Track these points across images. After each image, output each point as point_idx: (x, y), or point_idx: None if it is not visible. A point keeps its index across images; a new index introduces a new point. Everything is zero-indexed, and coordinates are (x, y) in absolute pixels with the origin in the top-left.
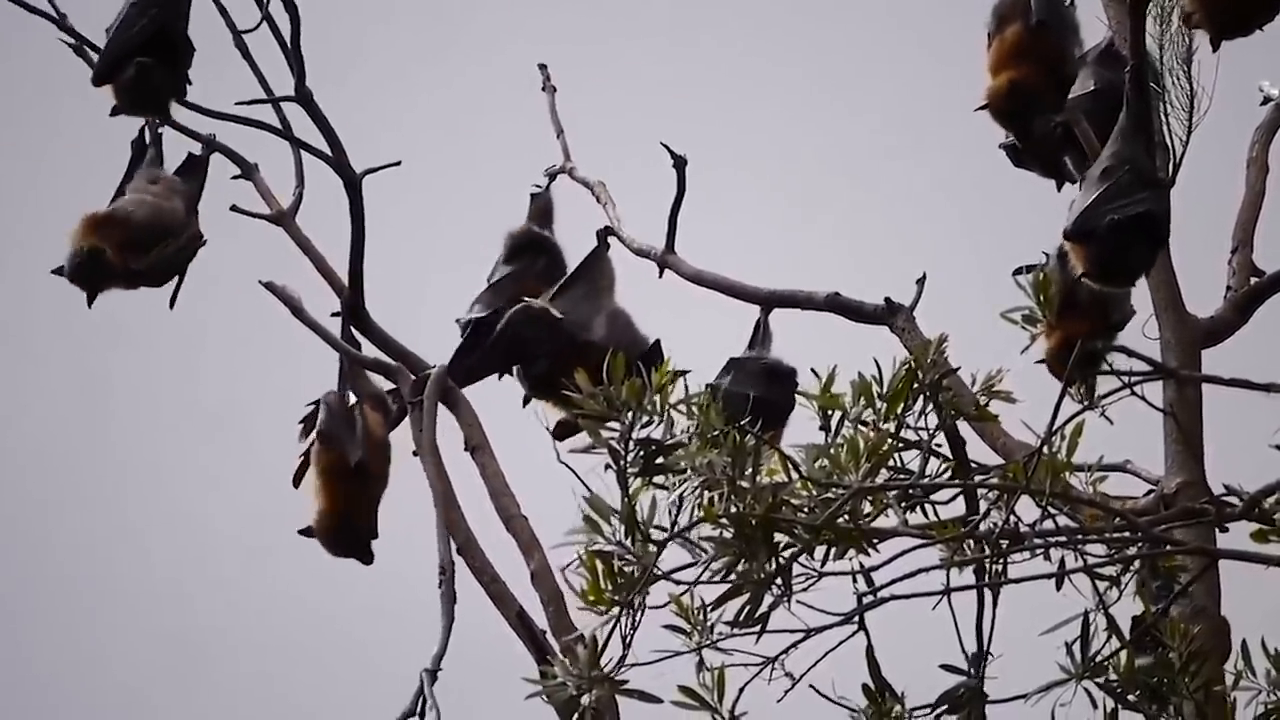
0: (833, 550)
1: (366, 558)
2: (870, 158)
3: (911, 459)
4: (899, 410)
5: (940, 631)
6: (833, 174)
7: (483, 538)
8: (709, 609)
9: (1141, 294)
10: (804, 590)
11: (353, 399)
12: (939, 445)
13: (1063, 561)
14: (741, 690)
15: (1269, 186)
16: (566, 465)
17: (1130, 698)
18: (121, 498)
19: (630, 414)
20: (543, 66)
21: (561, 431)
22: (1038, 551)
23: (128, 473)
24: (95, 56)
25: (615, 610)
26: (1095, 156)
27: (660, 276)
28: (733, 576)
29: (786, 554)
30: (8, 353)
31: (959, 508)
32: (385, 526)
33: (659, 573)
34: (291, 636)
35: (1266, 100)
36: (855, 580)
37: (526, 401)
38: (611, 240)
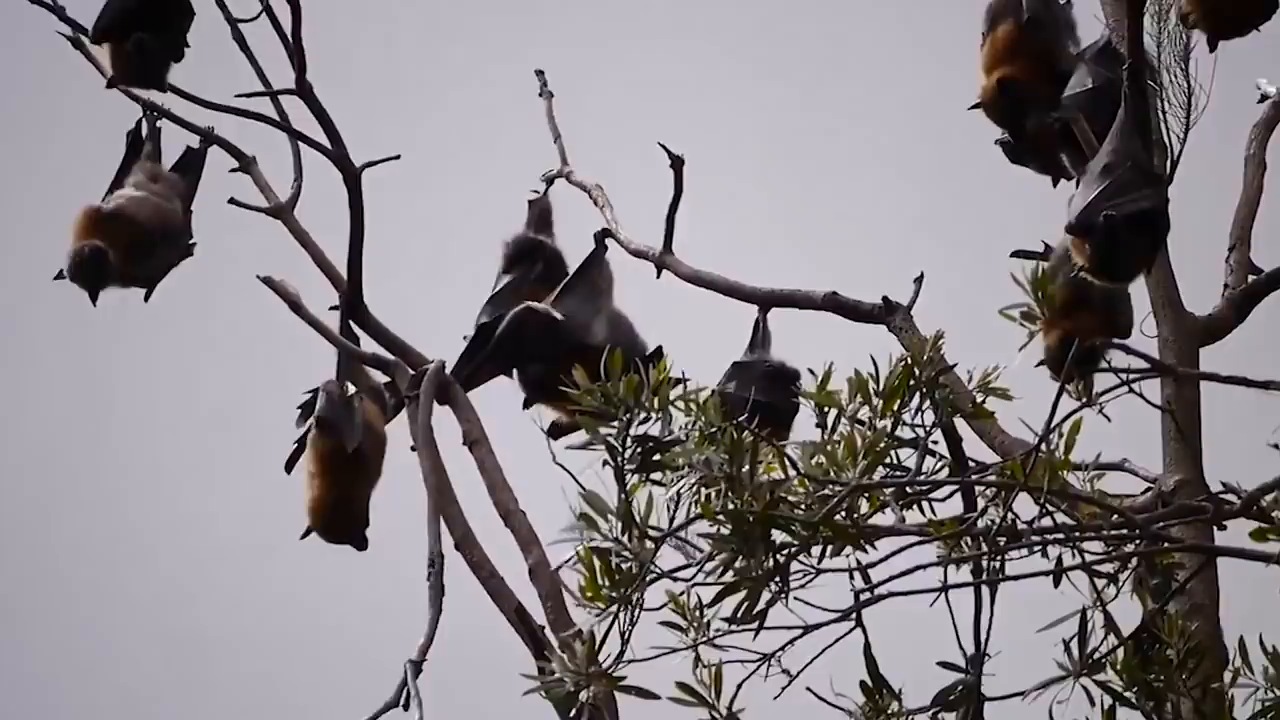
0: (830, 547)
1: (361, 544)
2: (868, 157)
3: (908, 456)
4: (896, 407)
5: (938, 629)
6: (829, 173)
7: (481, 533)
8: (706, 606)
9: (1139, 291)
10: (801, 587)
11: (351, 389)
12: (936, 443)
13: (1060, 559)
14: (739, 687)
15: (1266, 184)
16: (562, 466)
17: (1128, 695)
18: (120, 496)
19: (628, 411)
20: (539, 72)
21: (557, 432)
22: (1035, 549)
23: (126, 471)
24: (93, 48)
25: (613, 607)
26: (1093, 153)
27: (658, 277)
28: (730, 573)
29: (784, 551)
30: (8, 353)
31: (956, 505)
32: (384, 522)
33: (657, 570)
34: (289, 633)
35: (1264, 98)
36: (853, 577)
37: (527, 405)
38: (609, 243)
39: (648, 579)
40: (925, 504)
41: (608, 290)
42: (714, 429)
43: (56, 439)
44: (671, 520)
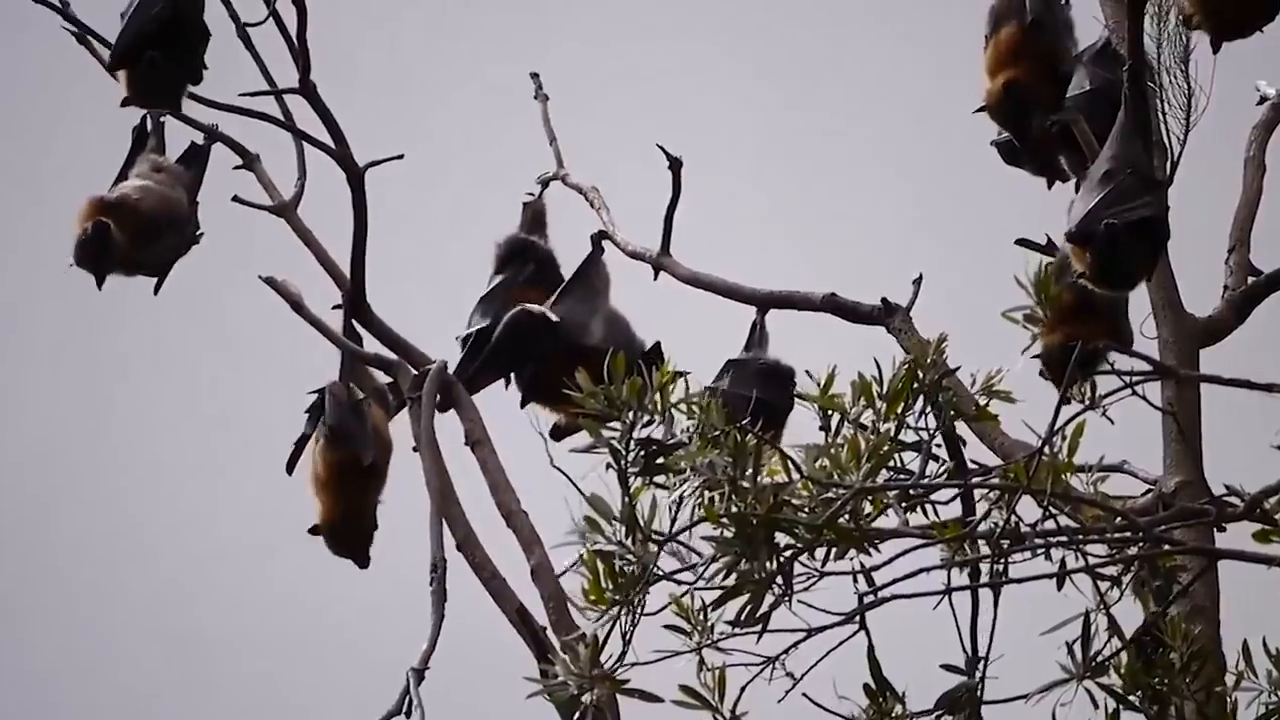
0: (833, 550)
1: (363, 562)
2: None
3: (912, 460)
4: (899, 410)
5: (941, 631)
6: (828, 174)
7: (483, 533)
8: (710, 609)
9: (1139, 293)
10: (805, 590)
11: (359, 394)
12: (939, 446)
13: (1063, 561)
14: (742, 690)
15: (1266, 186)
16: (560, 470)
17: (1131, 698)
18: (120, 495)
19: (631, 413)
20: (534, 75)
21: (558, 434)
22: (1038, 551)
23: (127, 470)
24: (98, 45)
25: (615, 609)
26: (1093, 155)
27: (656, 279)
28: (734, 576)
29: (787, 554)
30: (8, 351)
31: (959, 508)
32: (385, 522)
33: (660, 573)
34: (290, 633)
35: (1263, 100)
36: (856, 580)
37: (524, 404)
38: (606, 244)
39: (650, 582)
40: (928, 507)
41: (604, 291)
42: (716, 432)
43: (57, 437)
44: (674, 523)
